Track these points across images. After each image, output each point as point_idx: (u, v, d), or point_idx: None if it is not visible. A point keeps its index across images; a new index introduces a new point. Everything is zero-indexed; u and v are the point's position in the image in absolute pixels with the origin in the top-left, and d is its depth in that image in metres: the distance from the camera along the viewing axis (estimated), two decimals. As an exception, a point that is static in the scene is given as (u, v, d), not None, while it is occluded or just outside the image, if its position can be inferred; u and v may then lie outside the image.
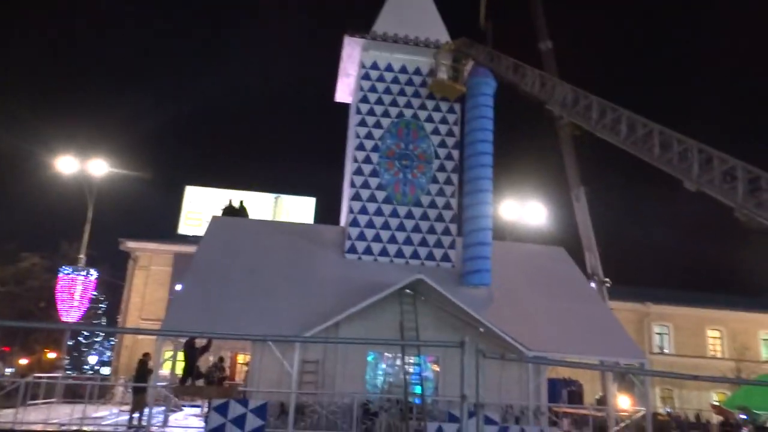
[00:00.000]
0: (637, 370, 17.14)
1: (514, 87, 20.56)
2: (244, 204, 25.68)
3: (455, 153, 22.25)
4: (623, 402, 22.94)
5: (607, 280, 24.61)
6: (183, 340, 16.08)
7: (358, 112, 22.20)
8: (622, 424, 17.88)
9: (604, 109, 16.38)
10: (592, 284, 23.60)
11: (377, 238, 20.86)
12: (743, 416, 21.87)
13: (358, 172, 21.51)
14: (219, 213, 25.49)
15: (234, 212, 24.39)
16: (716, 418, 23.47)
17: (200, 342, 16.29)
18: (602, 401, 22.44)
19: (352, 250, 20.67)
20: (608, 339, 18.44)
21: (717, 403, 27.54)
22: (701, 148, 13.50)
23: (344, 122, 25.96)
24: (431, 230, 21.27)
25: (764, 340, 37.87)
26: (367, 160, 21.66)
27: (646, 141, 14.86)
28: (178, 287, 18.63)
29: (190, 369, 15.75)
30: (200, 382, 16.06)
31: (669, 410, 30.28)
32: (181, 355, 16.36)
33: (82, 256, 29.75)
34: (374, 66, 22.65)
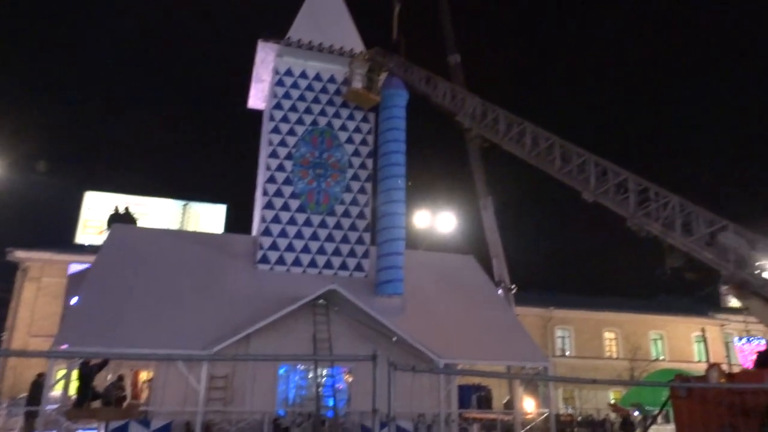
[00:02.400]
0: (538, 376, 17.92)
1: (426, 98, 21.00)
2: (131, 210, 24.03)
3: (369, 162, 22.35)
4: (529, 405, 23.90)
5: (514, 286, 25.59)
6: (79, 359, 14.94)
7: (272, 118, 21.79)
8: (528, 427, 18.58)
9: (510, 122, 17.06)
10: (500, 291, 24.45)
11: (290, 248, 20.49)
12: (636, 412, 23.54)
13: (271, 180, 21.06)
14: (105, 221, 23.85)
15: (119, 219, 22.80)
16: (614, 415, 25.06)
17: (96, 359, 15.22)
18: (509, 405, 23.25)
19: (264, 260, 20.18)
20: (514, 344, 19.13)
21: (613, 402, 29.42)
22: (597, 161, 14.37)
23: (257, 128, 25.42)
24: (345, 239, 21.19)
25: (653, 339, 40.87)
26: (281, 167, 21.27)
27: (548, 154, 15.62)
28: (74, 300, 17.31)
29: (86, 389, 14.64)
30: (97, 404, 14.98)
31: (570, 410, 31.90)
32: (75, 374, 15.18)
33: (-39, 268, 27.02)
34: (288, 72, 22.34)
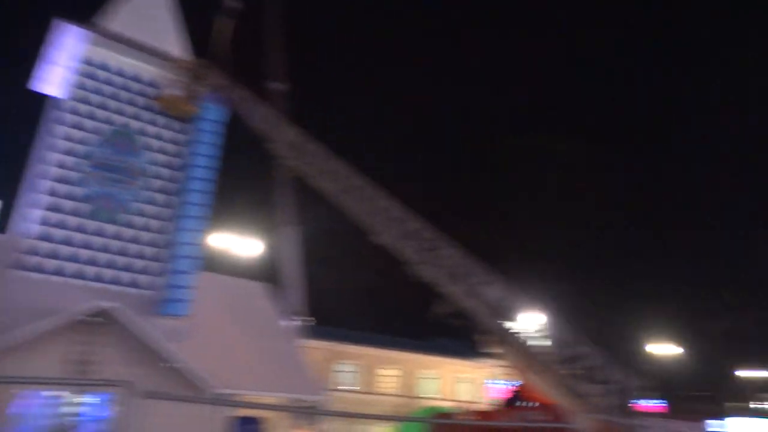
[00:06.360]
0: (309, 409, 18.02)
1: (245, 119, 20.54)
2: None
3: (167, 172, 20.82)
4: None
5: (306, 318, 25.69)
6: None
7: (61, 109, 19.34)
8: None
9: (325, 156, 17.41)
10: (292, 321, 24.34)
11: (58, 255, 18.01)
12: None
13: (58, 179, 18.52)
14: None
15: None
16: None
17: None
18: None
19: (22, 264, 17.43)
20: (293, 376, 19.11)
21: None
22: (389, 205, 15.27)
23: (38, 115, 22.28)
24: (126, 252, 19.29)
25: (421, 378, 44.08)
26: (70, 166, 18.84)
27: (351, 192, 16.19)
28: None
29: None
30: None
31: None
32: None
33: None
34: (89, 62, 20.14)
